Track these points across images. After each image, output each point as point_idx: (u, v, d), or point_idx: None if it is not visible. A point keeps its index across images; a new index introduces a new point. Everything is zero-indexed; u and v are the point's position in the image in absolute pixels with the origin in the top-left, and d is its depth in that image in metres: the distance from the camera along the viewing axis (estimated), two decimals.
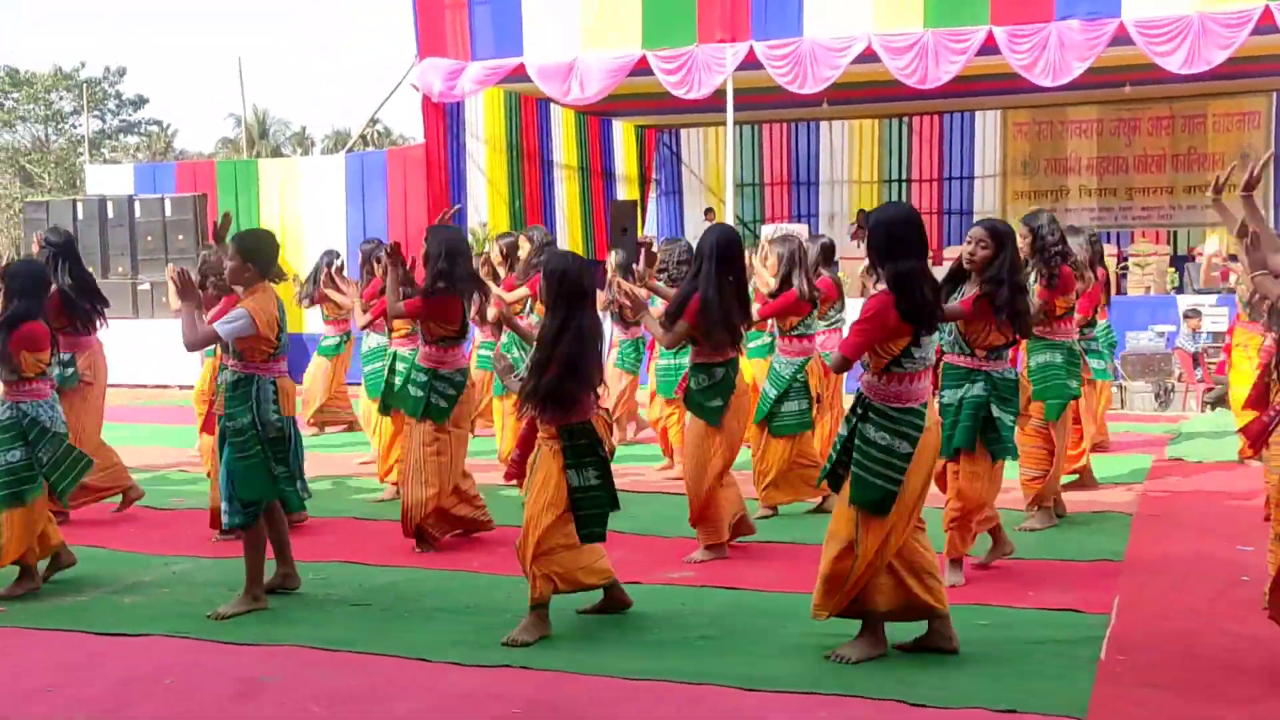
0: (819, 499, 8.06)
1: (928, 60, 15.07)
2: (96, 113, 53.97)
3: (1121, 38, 14.40)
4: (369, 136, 62.03)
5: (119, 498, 8.51)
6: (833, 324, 9.18)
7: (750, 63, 15.73)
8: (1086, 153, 22.07)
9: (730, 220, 17.51)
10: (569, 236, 20.76)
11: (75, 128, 53.21)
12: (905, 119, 23.02)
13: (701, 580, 6.58)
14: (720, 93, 16.12)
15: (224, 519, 6.19)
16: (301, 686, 5.01)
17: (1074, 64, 14.60)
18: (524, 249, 9.18)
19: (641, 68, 16.09)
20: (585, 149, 21.61)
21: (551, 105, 20.29)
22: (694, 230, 23.76)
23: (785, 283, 7.91)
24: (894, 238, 5.05)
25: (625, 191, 22.81)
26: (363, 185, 18.12)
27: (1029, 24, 14.70)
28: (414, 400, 7.29)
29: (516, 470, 6.01)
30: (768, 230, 17.64)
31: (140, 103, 57.66)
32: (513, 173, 19.36)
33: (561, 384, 5.42)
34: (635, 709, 4.72)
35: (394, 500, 8.89)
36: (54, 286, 8.06)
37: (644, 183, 23.65)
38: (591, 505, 5.56)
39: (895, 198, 23.29)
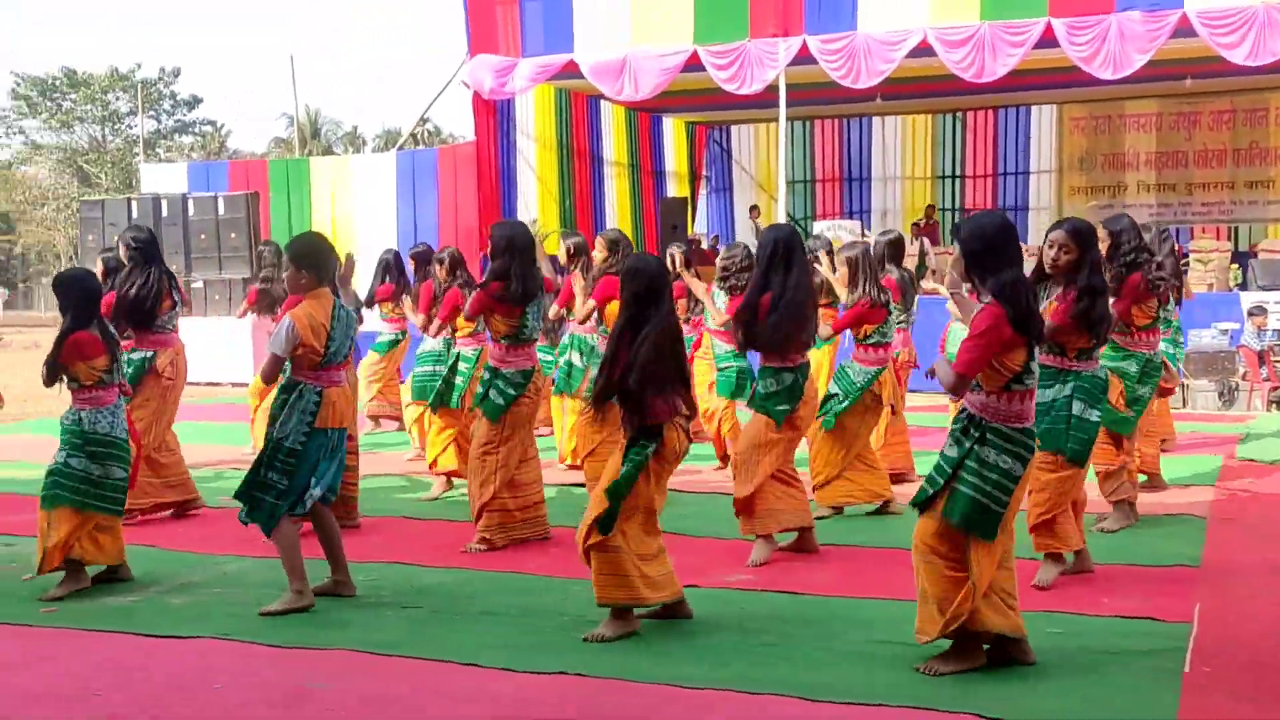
0: (879, 501, 7.84)
1: (984, 53, 14.79)
2: (152, 113, 54.58)
3: (1184, 29, 14.08)
4: (419, 135, 62.37)
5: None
6: (899, 324, 8.92)
7: (803, 57, 15.51)
8: (1145, 148, 21.68)
9: (781, 217, 17.31)
10: None
11: (131, 128, 53.88)
12: (959, 114, 22.73)
13: (761, 584, 6.38)
14: (772, 88, 15.91)
15: (243, 518, 6.09)
16: (350, 692, 4.87)
17: (1135, 56, 14.28)
18: (599, 253, 8.59)
19: (693, 63, 15.91)
20: (635, 146, 21.47)
21: (602, 102, 20.16)
22: (744, 228, 23.60)
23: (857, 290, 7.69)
24: (992, 248, 4.76)
25: (675, 188, 22.65)
26: (414, 183, 18.09)
27: (1089, 15, 14.39)
28: (477, 397, 7.30)
29: None
30: (820, 227, 17.46)
31: (195, 103, 58.30)
32: (563, 170, 19.25)
33: (632, 385, 5.26)
34: (695, 719, 4.55)
35: (441, 499, 8.82)
36: (117, 288, 8.02)
37: (694, 179, 23.48)
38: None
39: (949, 194, 23.06)
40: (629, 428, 5.39)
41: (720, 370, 9.17)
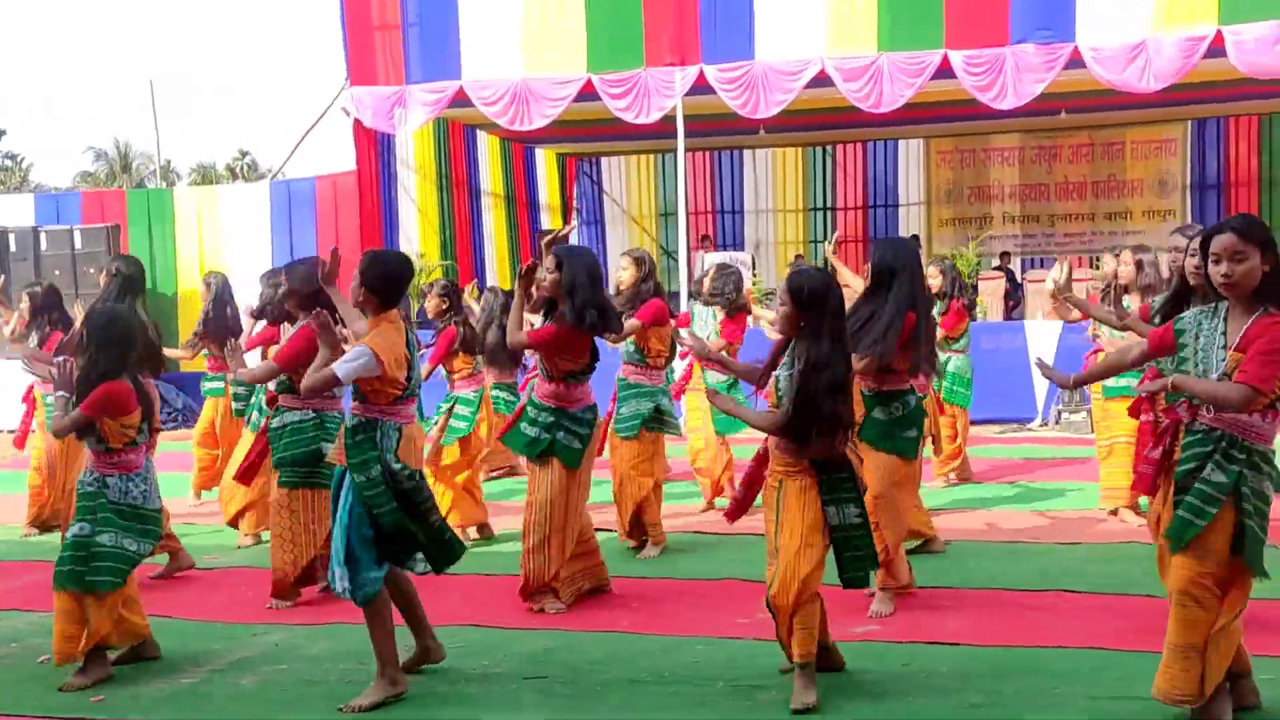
0: (920, 540, 7.40)
1: (882, 83, 14.88)
2: None
3: (1075, 61, 14.39)
4: (238, 169, 60.69)
5: (163, 557, 7.52)
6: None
7: (700, 86, 15.35)
8: (1009, 180, 22.25)
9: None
10: (497, 268, 20.15)
11: None
12: (829, 147, 22.94)
13: (899, 634, 5.79)
14: (670, 118, 15.70)
15: (337, 586, 5.14)
16: None
17: (1031, 87, 14.54)
18: (627, 273, 7.89)
19: (587, 92, 15.60)
20: (510, 177, 21.06)
21: (478, 132, 19.71)
22: (615, 261, 23.31)
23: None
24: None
25: (549, 220, 22.28)
26: (290, 214, 17.28)
27: (984, 48, 14.60)
28: (530, 440, 6.44)
29: (737, 510, 5.41)
30: (711, 258, 17.29)
31: None
32: (443, 201, 18.72)
33: (832, 411, 4.83)
34: None
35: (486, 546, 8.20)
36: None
37: (566, 212, 23.15)
38: (855, 546, 4.96)
39: (821, 226, 23.25)
40: (804, 457, 4.92)
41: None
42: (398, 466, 5.09)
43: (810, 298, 4.85)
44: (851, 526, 4.92)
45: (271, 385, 6.75)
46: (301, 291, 6.43)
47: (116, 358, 5.48)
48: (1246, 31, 13.81)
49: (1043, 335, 14.63)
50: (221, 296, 9.64)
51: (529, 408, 6.54)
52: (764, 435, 5.11)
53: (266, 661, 5.75)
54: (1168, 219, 21.49)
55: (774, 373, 5.06)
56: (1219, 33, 13.89)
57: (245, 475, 7.28)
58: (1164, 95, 14.74)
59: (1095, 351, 8.30)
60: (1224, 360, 4.27)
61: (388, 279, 5.26)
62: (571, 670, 5.44)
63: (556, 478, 6.37)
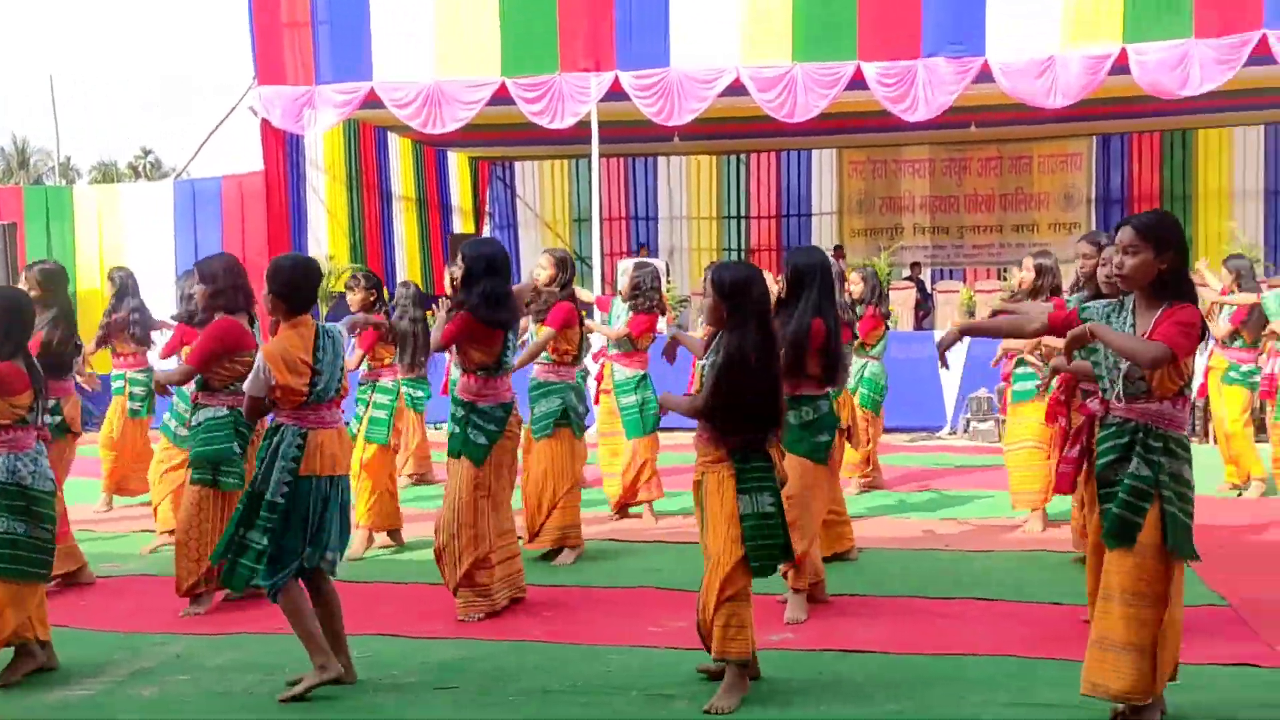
0: (844, 550, 7.44)
1: (796, 94, 14.96)
2: None
3: (985, 75, 14.59)
4: (141, 168, 59.47)
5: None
6: None
7: (615, 92, 15.33)
8: (920, 191, 22.51)
9: (596, 254, 17.12)
10: (408, 270, 19.94)
11: None
12: (743, 156, 23.03)
13: (811, 642, 5.76)
14: (584, 124, 15.64)
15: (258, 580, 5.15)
16: None
17: (941, 100, 14.71)
18: (545, 272, 7.81)
19: (501, 95, 15.48)
20: (422, 180, 20.87)
21: (389, 134, 19.49)
22: (529, 265, 23.20)
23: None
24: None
25: (461, 225, 22.13)
26: (194, 214, 16.90)
27: (897, 60, 14.74)
28: (450, 436, 6.45)
29: None
30: (625, 264, 17.24)
31: None
32: (353, 203, 18.47)
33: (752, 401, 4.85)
34: None
35: (396, 554, 8.03)
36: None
37: (478, 216, 22.98)
38: (765, 534, 4.91)
39: (735, 234, 23.34)
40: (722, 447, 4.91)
41: (623, 409, 8.70)
42: (288, 475, 5.06)
43: (732, 289, 4.87)
44: (763, 515, 4.90)
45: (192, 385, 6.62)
46: (225, 287, 6.35)
47: (6, 339, 5.36)
48: (1149, 51, 14.11)
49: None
50: (123, 291, 9.41)
51: (450, 404, 6.51)
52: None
53: (168, 672, 5.55)
54: (1073, 231, 21.88)
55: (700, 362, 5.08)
56: (1124, 51, 14.18)
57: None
58: (1070, 111, 15.01)
59: (1006, 378, 8.35)
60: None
61: (294, 285, 5.19)
62: (484, 680, 5.33)
63: (464, 474, 6.30)
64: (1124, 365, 4.33)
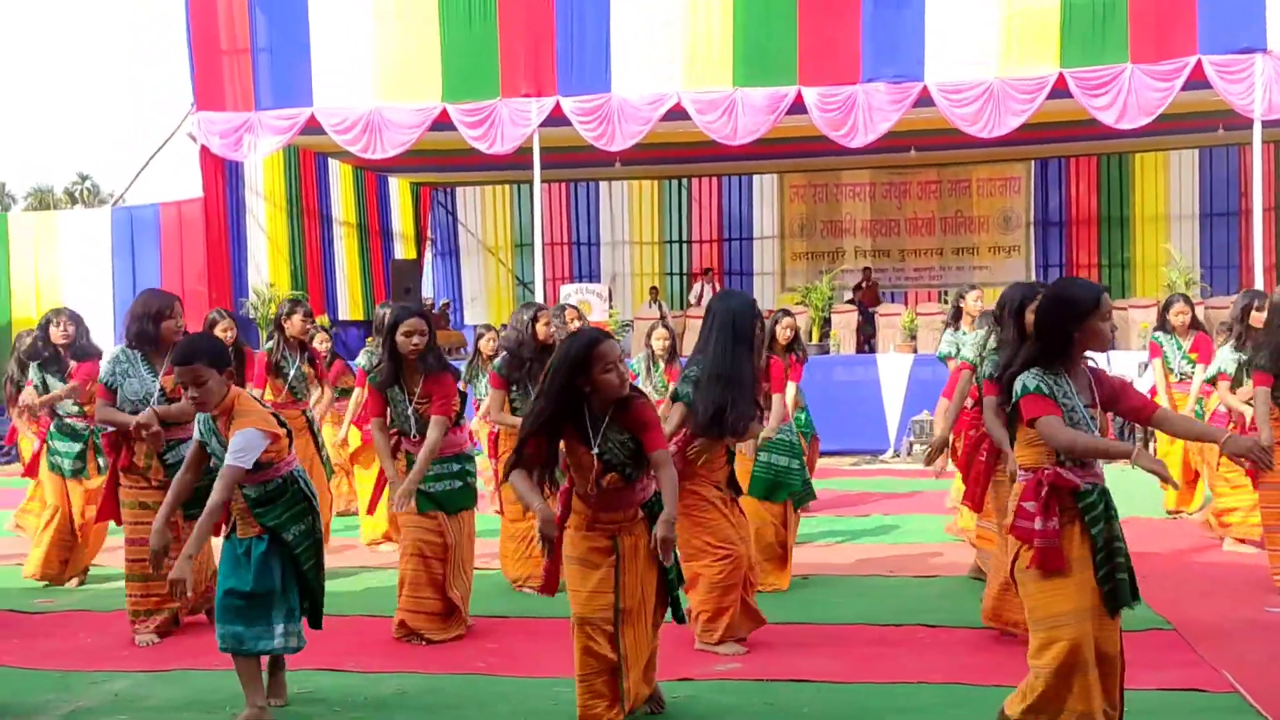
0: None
1: (737, 118, 15.03)
2: None
3: (925, 99, 14.72)
4: (78, 194, 58.68)
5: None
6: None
7: (556, 118, 15.32)
8: (861, 215, 22.61)
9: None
10: (349, 296, 19.80)
11: None
12: (684, 180, 23.08)
13: (759, 672, 5.67)
14: (525, 149, 15.62)
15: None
16: None
17: (881, 124, 14.82)
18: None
19: (442, 121, 15.43)
20: (363, 206, 20.74)
21: (330, 160, 19.36)
22: (471, 291, 23.17)
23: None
24: None
25: (403, 250, 21.99)
26: (132, 241, 16.69)
27: (837, 85, 14.84)
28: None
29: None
30: (566, 290, 17.21)
31: None
32: (293, 229, 18.31)
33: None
34: None
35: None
36: None
37: (420, 241, 22.86)
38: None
39: (677, 259, 23.36)
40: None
41: None
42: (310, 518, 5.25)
43: None
44: None
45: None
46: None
47: None
48: (1087, 75, 14.31)
49: (894, 368, 14.88)
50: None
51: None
52: None
53: (106, 712, 5.37)
54: (1012, 254, 22.12)
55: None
56: (1061, 75, 14.36)
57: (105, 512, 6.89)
58: (1009, 135, 15.18)
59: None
60: (1094, 419, 4.23)
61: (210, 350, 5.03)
62: (427, 713, 5.24)
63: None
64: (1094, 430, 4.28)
